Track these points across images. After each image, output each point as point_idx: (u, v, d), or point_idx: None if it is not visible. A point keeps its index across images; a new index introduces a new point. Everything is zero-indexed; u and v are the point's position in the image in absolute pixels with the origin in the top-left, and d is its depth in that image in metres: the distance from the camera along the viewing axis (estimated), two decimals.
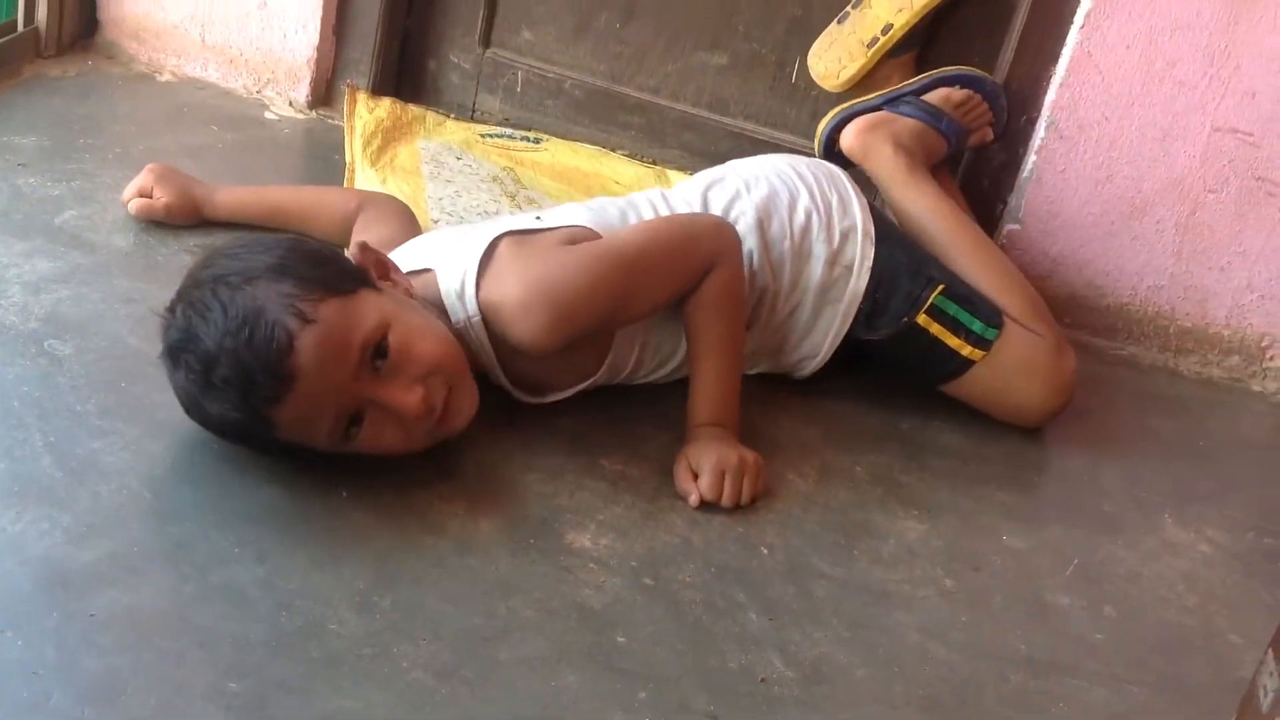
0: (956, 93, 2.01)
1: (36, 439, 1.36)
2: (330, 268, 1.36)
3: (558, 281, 1.46)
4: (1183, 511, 1.68)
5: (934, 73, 2.03)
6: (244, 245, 1.38)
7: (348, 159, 2.13)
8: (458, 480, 1.44)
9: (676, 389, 1.63)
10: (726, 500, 1.48)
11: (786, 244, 1.67)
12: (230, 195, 1.85)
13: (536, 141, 2.31)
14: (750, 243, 1.65)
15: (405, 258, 1.57)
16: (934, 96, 2.00)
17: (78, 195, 1.85)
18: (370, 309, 1.34)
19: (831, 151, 2.00)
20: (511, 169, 2.19)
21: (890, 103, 2.00)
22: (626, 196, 1.72)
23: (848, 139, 1.96)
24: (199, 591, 1.21)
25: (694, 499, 1.48)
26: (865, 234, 1.70)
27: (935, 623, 1.39)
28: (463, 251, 1.51)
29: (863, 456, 1.66)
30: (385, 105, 2.29)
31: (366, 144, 2.16)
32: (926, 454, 1.69)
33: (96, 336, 1.55)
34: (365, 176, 2.08)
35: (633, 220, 1.62)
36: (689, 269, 1.55)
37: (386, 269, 1.46)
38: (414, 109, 2.32)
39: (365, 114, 2.24)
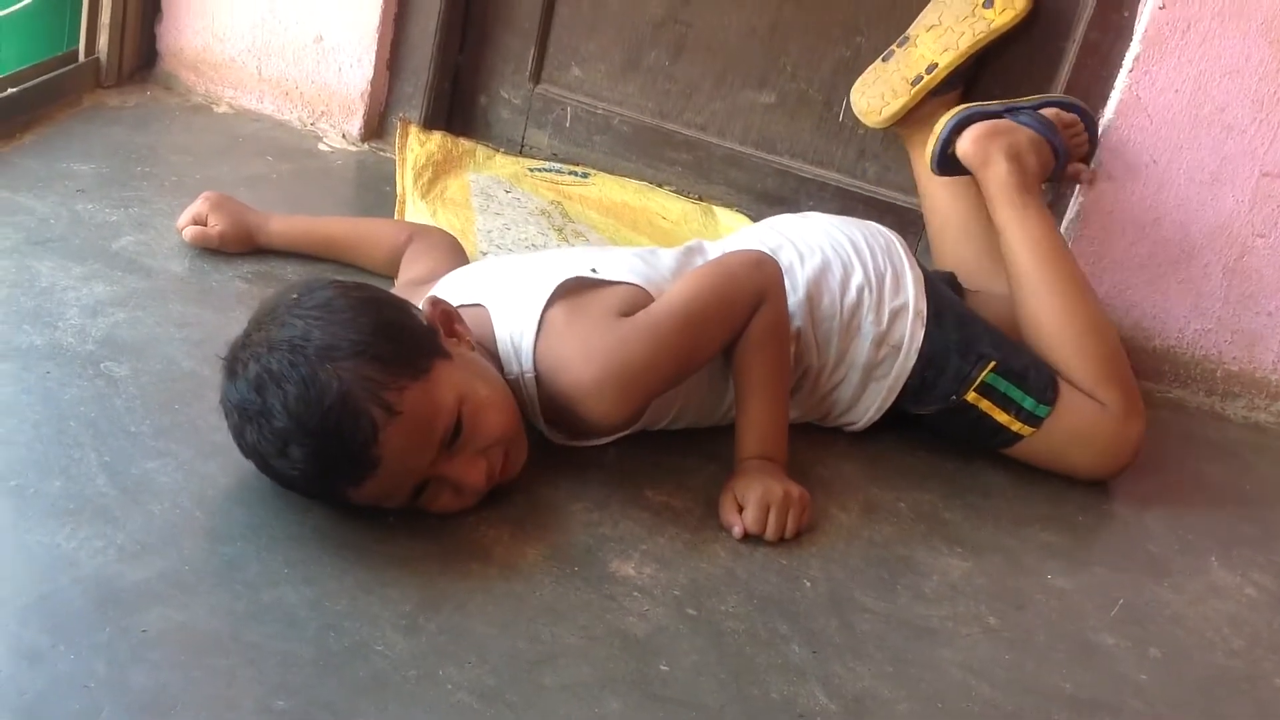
0: (1066, 114, 1.98)
1: (92, 458, 1.38)
2: (408, 342, 1.35)
3: (625, 360, 1.44)
4: (1229, 555, 1.67)
5: (1046, 95, 2.02)
6: (319, 307, 1.33)
7: (398, 191, 2.16)
8: (504, 508, 1.45)
9: (727, 427, 1.64)
10: (771, 534, 1.49)
11: (835, 321, 1.66)
12: (283, 224, 1.88)
13: (585, 176, 2.33)
14: (798, 319, 1.64)
15: (454, 287, 1.59)
16: (1047, 113, 1.97)
17: (135, 221, 1.89)
18: (447, 390, 1.35)
19: (945, 154, 1.94)
20: (560, 203, 2.21)
21: (1010, 111, 1.96)
22: (683, 246, 1.71)
23: (966, 143, 1.89)
24: (249, 610, 1.23)
25: (738, 531, 1.48)
26: (916, 314, 1.69)
27: (979, 660, 1.39)
28: (518, 298, 1.51)
29: (906, 493, 1.66)
30: (436, 139, 2.32)
31: (417, 177, 2.19)
32: (970, 492, 1.69)
33: (152, 359, 1.58)
34: (416, 208, 2.10)
35: (686, 271, 1.62)
36: (739, 314, 1.55)
37: (452, 322, 1.47)
38: (465, 143, 2.35)
39: (416, 147, 2.27)
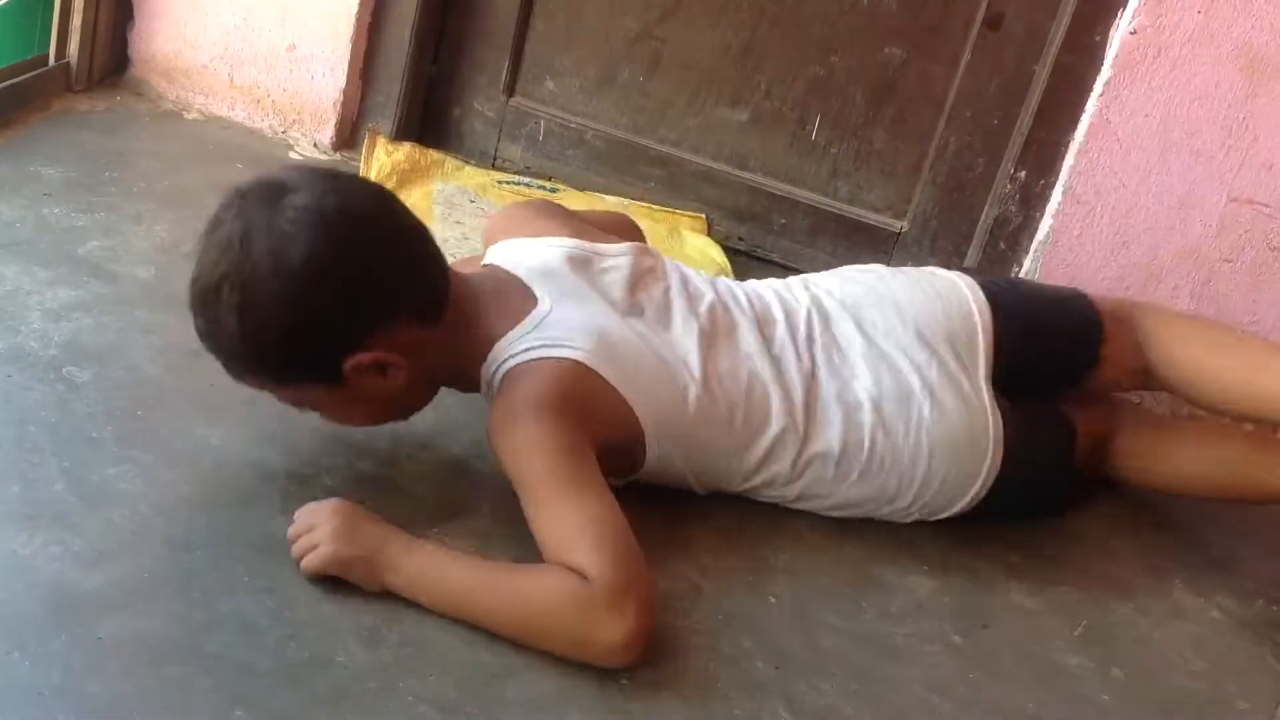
0: None
1: (51, 464, 1.37)
2: (296, 353, 1.33)
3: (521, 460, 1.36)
4: (1194, 578, 1.67)
5: None
6: (295, 236, 1.30)
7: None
8: (469, 520, 1.45)
9: None
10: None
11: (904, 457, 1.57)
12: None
13: (554, 190, 2.32)
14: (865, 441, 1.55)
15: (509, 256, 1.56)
16: None
17: (102, 227, 1.87)
18: (297, 397, 1.42)
19: None
20: None
21: None
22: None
23: None
24: (208, 619, 1.21)
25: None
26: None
27: (942, 678, 1.39)
28: (513, 312, 1.47)
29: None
30: (405, 150, 2.31)
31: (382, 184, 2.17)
32: None
33: (115, 365, 1.56)
34: None
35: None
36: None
37: (385, 366, 1.37)
38: (434, 154, 2.34)
39: (383, 156, 2.27)
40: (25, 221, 1.83)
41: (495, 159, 2.41)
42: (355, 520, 1.32)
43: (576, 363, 1.41)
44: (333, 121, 2.32)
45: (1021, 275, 2.11)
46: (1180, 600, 1.63)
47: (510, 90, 2.38)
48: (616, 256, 1.57)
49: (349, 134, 2.36)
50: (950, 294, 1.64)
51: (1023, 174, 2.12)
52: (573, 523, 1.30)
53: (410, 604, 1.29)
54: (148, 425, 1.47)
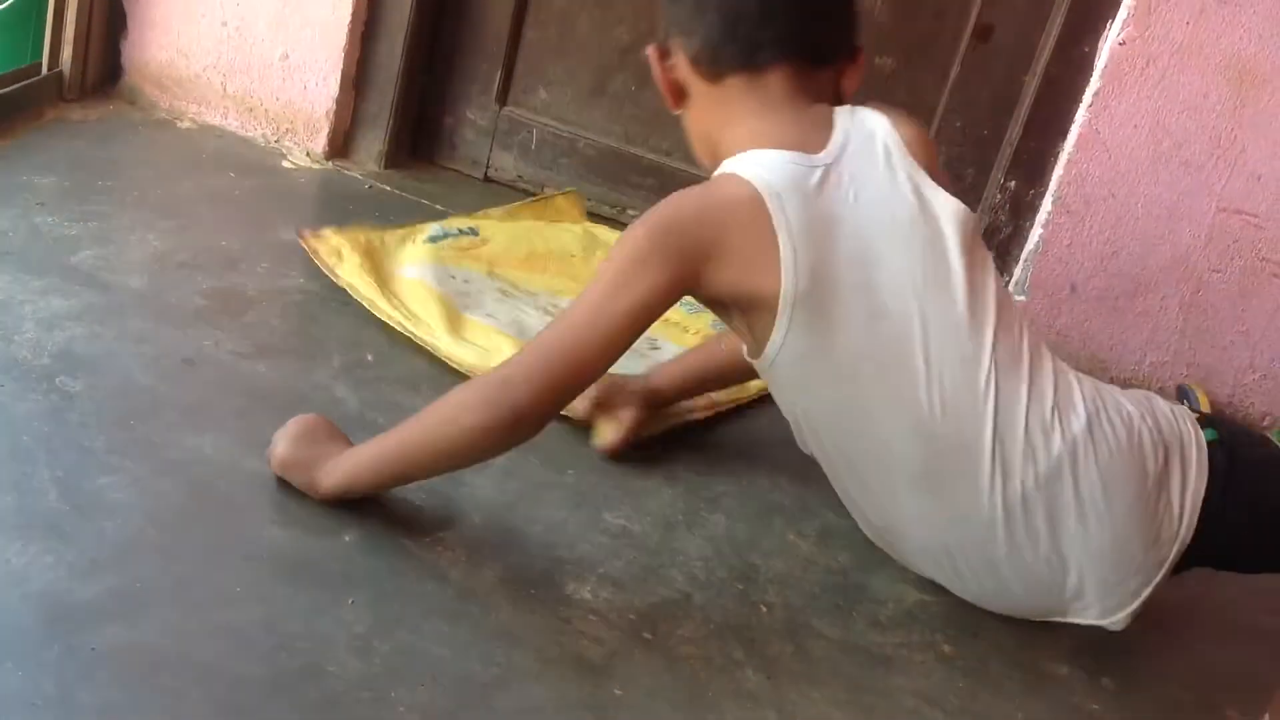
0: None
1: (44, 473, 1.37)
2: None
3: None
4: (1181, 584, 1.67)
5: None
6: None
7: (364, 297, 1.87)
8: (461, 529, 1.45)
9: (687, 449, 1.64)
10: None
11: None
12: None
13: (475, 233, 2.10)
14: None
15: None
16: None
17: (94, 236, 1.87)
18: None
19: None
20: (493, 272, 2.03)
21: None
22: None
23: None
24: (200, 630, 1.21)
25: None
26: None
27: (933, 687, 1.39)
28: None
29: None
30: (344, 242, 1.97)
31: (366, 285, 1.90)
32: None
33: (108, 375, 1.56)
34: (391, 306, 1.86)
35: None
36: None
37: None
38: (363, 236, 2.00)
39: (339, 257, 1.95)
40: (18, 231, 1.84)
41: (488, 168, 2.42)
42: (309, 429, 1.43)
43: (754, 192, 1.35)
44: (325, 131, 2.32)
45: (1011, 284, 2.12)
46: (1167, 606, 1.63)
47: (503, 100, 2.39)
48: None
49: (341, 143, 2.36)
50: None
51: (1013, 184, 2.13)
52: (557, 328, 1.36)
53: (402, 613, 1.29)
54: (140, 435, 1.47)
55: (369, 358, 1.74)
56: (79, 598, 1.21)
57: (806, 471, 1.71)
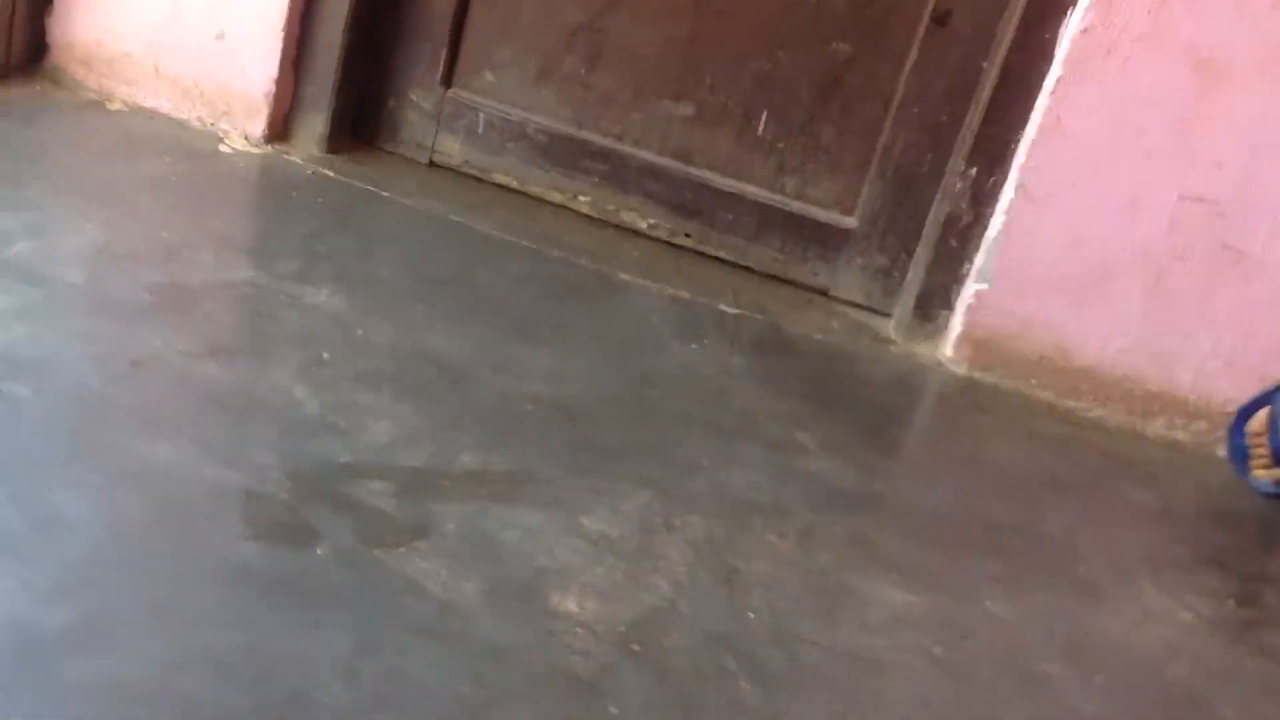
0: None
1: None
2: None
3: None
4: (1160, 577, 1.68)
5: None
6: None
7: None
8: (436, 538, 1.39)
9: (663, 452, 1.60)
10: None
11: None
12: None
13: None
14: None
15: None
16: None
17: (29, 228, 1.78)
18: None
19: None
20: None
21: None
22: None
23: None
24: (178, 658, 1.15)
25: None
26: None
27: (925, 693, 1.37)
28: None
29: (841, 516, 1.63)
30: None
31: None
32: (904, 515, 1.68)
33: (56, 377, 1.48)
34: None
35: None
36: None
37: None
38: None
39: None
40: None
41: (433, 152, 2.34)
42: None
43: None
44: (264, 114, 2.23)
45: (974, 271, 2.10)
46: (1151, 602, 1.63)
47: (448, 82, 2.31)
48: None
49: (281, 126, 2.27)
50: None
51: (973, 171, 2.11)
52: None
53: (386, 633, 1.23)
54: (93, 442, 1.39)
55: (325, 355, 1.67)
56: (47, 625, 1.14)
57: (779, 471, 1.69)
